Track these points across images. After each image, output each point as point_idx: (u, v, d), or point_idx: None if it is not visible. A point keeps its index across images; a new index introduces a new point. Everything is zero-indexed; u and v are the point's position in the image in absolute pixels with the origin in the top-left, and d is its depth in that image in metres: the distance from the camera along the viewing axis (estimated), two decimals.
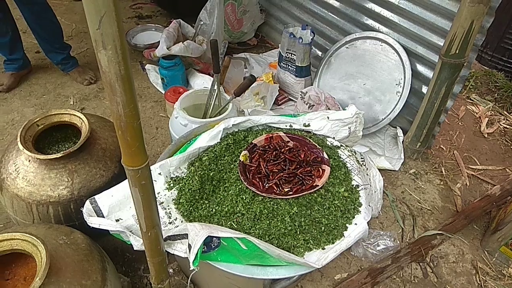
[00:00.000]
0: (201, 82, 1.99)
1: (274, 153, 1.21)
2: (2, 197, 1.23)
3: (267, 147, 1.24)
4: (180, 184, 1.20)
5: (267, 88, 1.90)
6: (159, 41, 2.30)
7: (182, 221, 1.13)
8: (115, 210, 1.15)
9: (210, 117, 1.65)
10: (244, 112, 1.88)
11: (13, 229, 1.07)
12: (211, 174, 1.20)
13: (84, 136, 1.22)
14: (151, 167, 1.23)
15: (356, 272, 1.36)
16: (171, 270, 1.38)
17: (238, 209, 1.10)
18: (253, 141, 1.25)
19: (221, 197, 1.15)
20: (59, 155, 1.17)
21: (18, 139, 1.18)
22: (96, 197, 1.15)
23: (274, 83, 2.02)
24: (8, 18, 1.86)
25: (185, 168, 1.26)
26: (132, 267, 1.36)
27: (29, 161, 1.20)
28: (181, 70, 2.02)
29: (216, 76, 1.62)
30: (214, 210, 1.12)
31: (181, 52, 1.92)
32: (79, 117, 1.27)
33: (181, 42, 1.94)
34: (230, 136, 1.32)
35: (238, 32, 2.42)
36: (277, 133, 1.28)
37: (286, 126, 1.35)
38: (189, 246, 0.94)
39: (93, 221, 1.09)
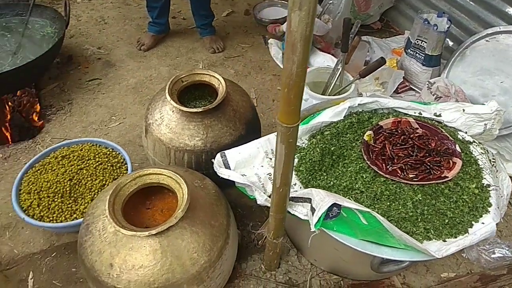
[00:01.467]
0: (322, 60, 2.00)
1: (402, 137, 1.19)
2: (145, 140, 1.42)
3: (394, 130, 1.23)
4: (301, 153, 1.26)
5: (391, 74, 1.85)
6: (284, 17, 2.36)
7: (300, 187, 1.19)
8: (240, 166, 1.25)
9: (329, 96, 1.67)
10: (363, 95, 1.86)
11: (156, 167, 1.23)
12: (332, 148, 1.23)
13: (221, 96, 1.33)
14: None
15: (466, 274, 1.30)
16: None
17: (357, 186, 1.12)
18: (379, 123, 1.25)
19: (340, 172, 1.18)
20: (199, 109, 1.30)
21: (167, 91, 1.33)
22: (226, 151, 1.27)
23: (397, 69, 1.95)
24: None
25: (306, 139, 1.31)
26: (242, 222, 1.47)
27: (173, 111, 1.35)
28: None
29: (343, 55, 1.62)
30: (332, 183, 1.15)
31: None
32: (218, 79, 1.39)
33: None
34: (354, 115, 1.33)
35: (364, 14, 2.36)
36: (406, 118, 1.25)
37: (415, 113, 1.32)
38: (312, 209, 0.99)
39: (224, 172, 1.21)
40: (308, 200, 1.04)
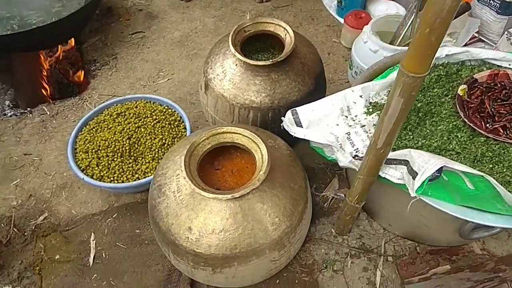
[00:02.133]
0: (384, 8, 1.82)
1: (503, 92, 1.05)
2: (205, 96, 1.32)
3: (492, 84, 1.09)
4: (381, 111, 1.14)
5: (464, 23, 1.66)
6: None
7: None
8: (313, 124, 1.15)
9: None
10: None
11: (229, 125, 1.13)
12: (418, 105, 1.11)
13: (290, 48, 1.21)
14: (354, 88, 1.19)
15: None
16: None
17: (451, 146, 1.01)
18: (474, 76, 1.11)
19: (428, 131, 1.06)
20: (268, 62, 1.18)
21: (230, 42, 1.21)
22: (298, 109, 1.16)
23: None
24: None
25: (385, 95, 1.19)
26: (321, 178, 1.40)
27: (236, 65, 1.24)
28: None
29: (418, 1, 1.45)
30: (420, 143, 1.04)
31: None
32: (284, 28, 1.26)
33: None
34: (440, 67, 1.19)
35: None
36: (504, 71, 1.11)
37: (510, 64, 1.17)
38: (412, 173, 0.89)
39: (297, 131, 1.11)
40: (404, 162, 0.94)
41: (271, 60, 1.19)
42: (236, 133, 1.02)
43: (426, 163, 0.86)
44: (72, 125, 1.54)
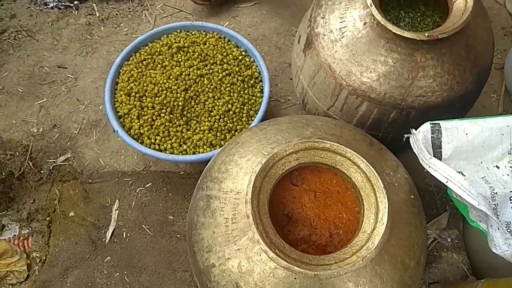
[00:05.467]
0: None
1: None
2: (302, 56, 0.90)
3: None
4: None
5: None
6: None
7: None
8: (460, 156, 0.74)
9: None
10: None
11: (330, 141, 0.74)
12: None
13: (463, 20, 0.73)
14: None
15: None
16: None
17: None
18: None
19: None
20: (420, 36, 0.72)
21: None
22: (442, 124, 0.74)
23: None
24: None
25: None
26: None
27: (365, 24, 0.79)
28: None
29: None
30: None
31: None
32: None
33: None
34: None
35: None
36: None
37: None
38: None
39: (436, 166, 0.70)
40: None
41: (427, 34, 0.72)
42: (342, 156, 0.64)
43: None
44: (122, 39, 1.19)
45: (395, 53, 0.78)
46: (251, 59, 1.02)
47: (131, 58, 1.00)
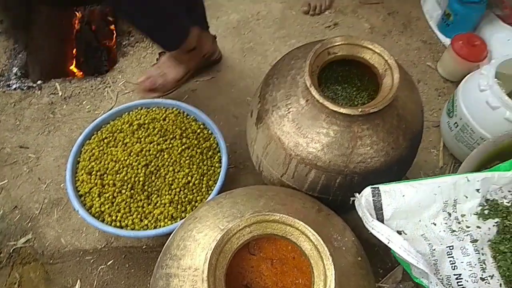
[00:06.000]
0: (506, 38, 1.37)
1: None
2: (254, 130, 0.98)
3: None
4: (503, 218, 0.78)
5: None
6: None
7: (501, 285, 0.73)
8: (400, 216, 0.81)
9: None
10: None
11: (282, 215, 0.80)
12: None
13: (391, 95, 0.84)
14: (470, 177, 0.82)
15: None
16: None
17: None
18: None
19: None
20: (354, 111, 0.81)
21: (307, 69, 0.85)
22: (382, 187, 0.81)
23: None
24: None
25: (509, 192, 0.82)
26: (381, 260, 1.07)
27: (308, 101, 0.88)
28: (481, 11, 1.42)
29: None
30: None
31: None
32: (386, 61, 0.88)
33: None
34: None
35: None
36: None
37: None
38: None
39: (378, 229, 0.76)
40: None
41: (360, 109, 0.82)
42: (293, 227, 0.69)
43: None
44: (85, 116, 1.24)
45: (335, 126, 0.86)
46: (209, 131, 1.09)
47: (92, 137, 1.05)
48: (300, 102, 0.90)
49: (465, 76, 1.20)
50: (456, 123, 1.17)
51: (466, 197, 0.81)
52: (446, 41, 1.48)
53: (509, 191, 0.83)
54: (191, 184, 0.98)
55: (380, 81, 0.89)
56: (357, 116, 0.85)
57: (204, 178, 1.00)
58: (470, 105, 1.12)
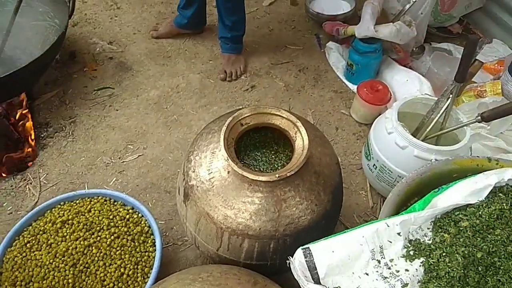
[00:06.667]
0: (404, 79, 1.53)
1: None
2: (184, 208, 0.98)
3: None
4: (427, 256, 0.83)
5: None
6: (346, 12, 1.88)
7: None
8: (334, 272, 0.82)
9: (423, 139, 1.21)
10: None
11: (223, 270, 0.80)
12: (478, 255, 0.80)
13: (303, 156, 0.89)
14: (389, 222, 0.87)
15: None
16: None
17: None
18: None
19: None
20: (273, 178, 0.85)
21: (222, 144, 0.88)
22: (312, 246, 0.83)
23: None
24: None
25: (429, 230, 0.88)
26: None
27: (229, 172, 0.91)
28: (378, 58, 1.58)
29: (456, 87, 1.17)
30: None
31: (390, 37, 1.48)
32: (294, 124, 0.94)
33: (390, 23, 1.49)
34: (500, 195, 0.89)
35: (446, 15, 1.87)
36: None
37: None
38: None
39: None
40: None
41: (277, 175, 0.86)
42: None
43: None
44: (7, 219, 1.16)
45: (259, 193, 0.89)
46: (140, 215, 1.07)
47: (14, 243, 0.98)
48: (222, 174, 0.92)
49: (375, 118, 1.31)
50: (374, 165, 1.26)
51: (390, 242, 0.85)
52: (354, 88, 1.62)
53: (428, 228, 0.88)
54: (125, 276, 0.94)
55: (293, 143, 0.95)
56: (277, 181, 0.89)
57: (139, 267, 0.96)
58: (383, 147, 1.22)
